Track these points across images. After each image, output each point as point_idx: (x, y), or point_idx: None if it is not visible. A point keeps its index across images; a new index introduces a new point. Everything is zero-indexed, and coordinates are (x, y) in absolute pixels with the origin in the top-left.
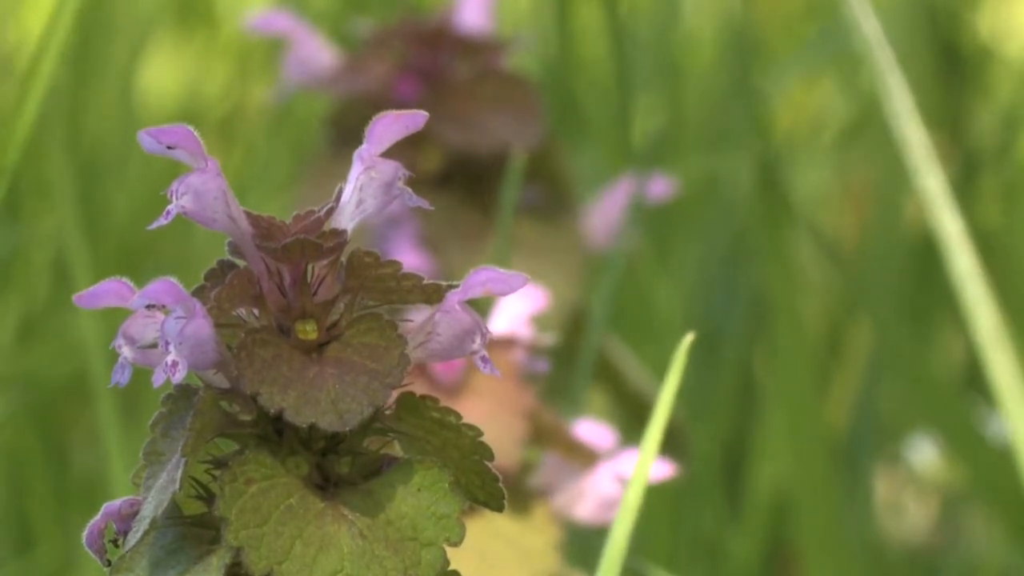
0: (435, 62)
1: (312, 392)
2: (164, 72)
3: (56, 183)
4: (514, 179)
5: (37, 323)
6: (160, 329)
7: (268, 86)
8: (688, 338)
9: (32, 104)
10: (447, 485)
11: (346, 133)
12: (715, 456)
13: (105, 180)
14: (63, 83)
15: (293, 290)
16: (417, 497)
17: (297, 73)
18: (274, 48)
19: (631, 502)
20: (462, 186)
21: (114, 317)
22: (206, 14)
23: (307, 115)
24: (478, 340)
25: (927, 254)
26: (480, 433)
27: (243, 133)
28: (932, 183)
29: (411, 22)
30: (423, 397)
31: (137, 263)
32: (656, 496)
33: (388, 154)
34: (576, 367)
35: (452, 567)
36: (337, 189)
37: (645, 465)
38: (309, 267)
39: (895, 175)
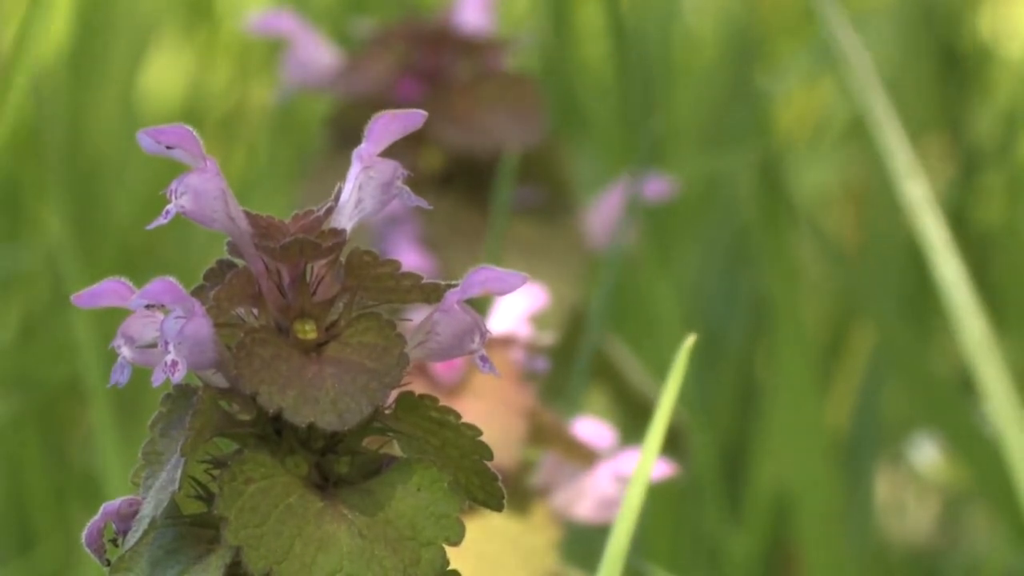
0: (436, 62)
1: (311, 391)
2: (165, 72)
3: (54, 184)
4: (508, 177)
5: (37, 324)
6: (159, 329)
7: (269, 86)
8: (690, 340)
9: (16, 94)
10: (446, 485)
11: (347, 133)
12: (715, 456)
13: (106, 180)
14: (64, 84)
15: (292, 290)
16: (416, 496)
17: (298, 73)
18: (274, 48)
19: (632, 502)
20: (463, 186)
21: (113, 317)
22: (207, 14)
23: (308, 115)
24: (477, 339)
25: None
26: (479, 432)
27: (244, 133)
28: (916, 191)
29: (411, 22)
30: (422, 396)
31: (137, 263)
32: (656, 496)
33: (389, 154)
34: (575, 367)
35: (451, 567)
36: (336, 188)
37: (647, 465)
38: (308, 266)
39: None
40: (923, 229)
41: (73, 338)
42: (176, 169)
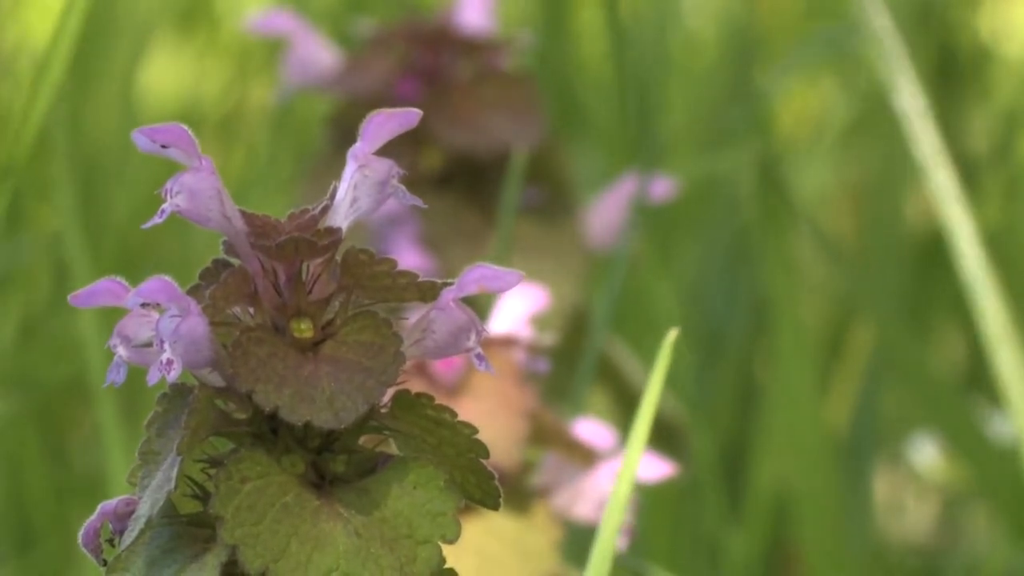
0: (436, 62)
1: (307, 390)
2: (165, 72)
3: (56, 184)
4: (515, 179)
5: (37, 323)
6: (155, 328)
7: (268, 86)
8: (673, 332)
9: (39, 109)
10: (442, 483)
11: (347, 133)
12: (715, 456)
13: (105, 180)
14: (63, 83)
15: (288, 288)
16: (412, 495)
17: (298, 73)
18: (274, 48)
19: (620, 496)
20: (462, 186)
21: (113, 317)
22: (206, 14)
23: (308, 115)
24: (473, 337)
25: (928, 253)
26: (475, 431)
27: (244, 133)
28: (941, 177)
29: (412, 22)
30: (419, 395)
31: (137, 263)
32: (656, 496)
33: (389, 153)
34: (577, 367)
35: (452, 566)
36: (331, 187)
37: (634, 458)
38: (304, 265)
39: (896, 174)
40: (947, 214)
41: (74, 337)
42: (176, 169)
